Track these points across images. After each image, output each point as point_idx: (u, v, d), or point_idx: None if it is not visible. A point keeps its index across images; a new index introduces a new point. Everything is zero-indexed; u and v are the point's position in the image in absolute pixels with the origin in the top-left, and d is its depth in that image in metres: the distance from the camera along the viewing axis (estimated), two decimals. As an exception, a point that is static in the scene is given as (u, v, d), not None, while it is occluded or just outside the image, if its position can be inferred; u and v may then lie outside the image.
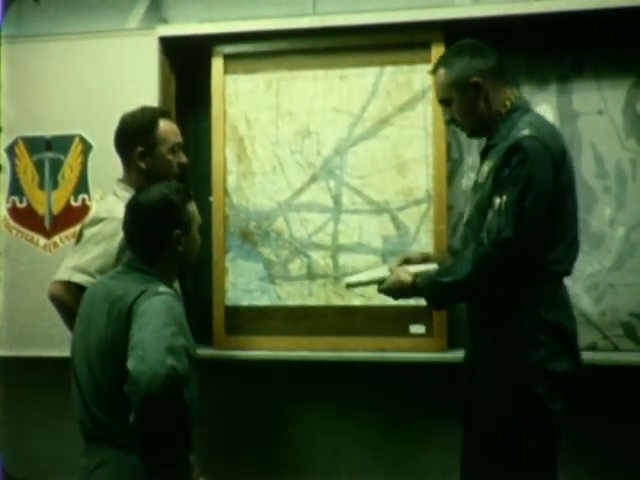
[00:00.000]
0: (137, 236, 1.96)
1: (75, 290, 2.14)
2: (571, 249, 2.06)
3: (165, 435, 1.69)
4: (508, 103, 2.08)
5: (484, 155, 2.14)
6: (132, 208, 1.97)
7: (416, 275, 2.11)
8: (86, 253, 2.17)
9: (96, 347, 1.86)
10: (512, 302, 1.99)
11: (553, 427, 1.99)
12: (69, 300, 2.14)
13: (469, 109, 2.09)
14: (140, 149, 2.25)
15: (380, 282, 2.18)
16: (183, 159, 2.31)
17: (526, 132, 1.96)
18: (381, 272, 2.21)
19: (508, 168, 1.95)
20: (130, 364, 1.68)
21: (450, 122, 2.16)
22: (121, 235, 2.13)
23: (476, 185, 2.15)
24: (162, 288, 1.86)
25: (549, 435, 1.99)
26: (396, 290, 2.14)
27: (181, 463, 1.80)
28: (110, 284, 1.93)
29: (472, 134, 2.18)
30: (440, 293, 2.06)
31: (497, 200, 1.94)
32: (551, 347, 1.98)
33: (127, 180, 2.29)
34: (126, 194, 2.24)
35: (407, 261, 2.25)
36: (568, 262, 2.06)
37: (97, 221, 2.22)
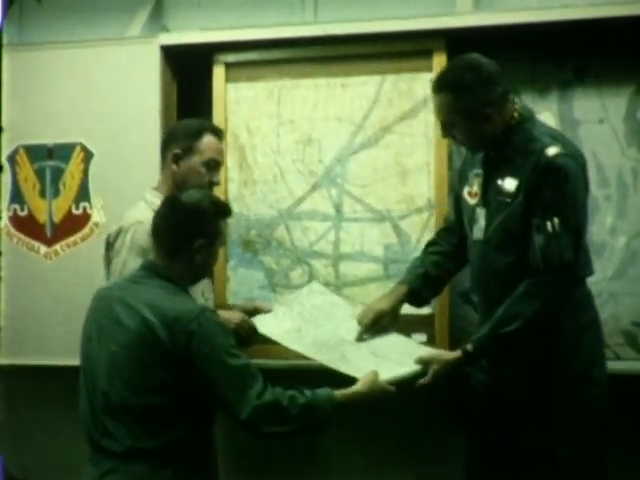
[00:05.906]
0: (162, 230, 1.93)
1: None
2: (589, 252, 2.11)
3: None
4: (516, 115, 2.03)
5: (493, 167, 2.06)
6: (167, 202, 1.97)
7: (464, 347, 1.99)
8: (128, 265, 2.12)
9: (115, 355, 1.82)
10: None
11: (605, 434, 2.03)
12: None
13: (475, 133, 2.03)
14: (176, 151, 2.24)
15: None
16: (216, 178, 2.27)
17: (555, 149, 1.94)
18: (408, 366, 2.00)
19: (550, 189, 1.92)
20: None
21: (447, 137, 2.13)
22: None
23: (486, 201, 2.07)
24: (199, 307, 1.87)
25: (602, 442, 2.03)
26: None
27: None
28: (135, 289, 1.89)
29: (474, 150, 2.14)
30: (506, 345, 1.98)
31: (548, 223, 1.91)
32: (591, 353, 2.01)
33: (160, 187, 2.29)
34: (155, 200, 2.20)
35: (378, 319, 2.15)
36: (591, 264, 2.10)
37: (124, 232, 2.17)
